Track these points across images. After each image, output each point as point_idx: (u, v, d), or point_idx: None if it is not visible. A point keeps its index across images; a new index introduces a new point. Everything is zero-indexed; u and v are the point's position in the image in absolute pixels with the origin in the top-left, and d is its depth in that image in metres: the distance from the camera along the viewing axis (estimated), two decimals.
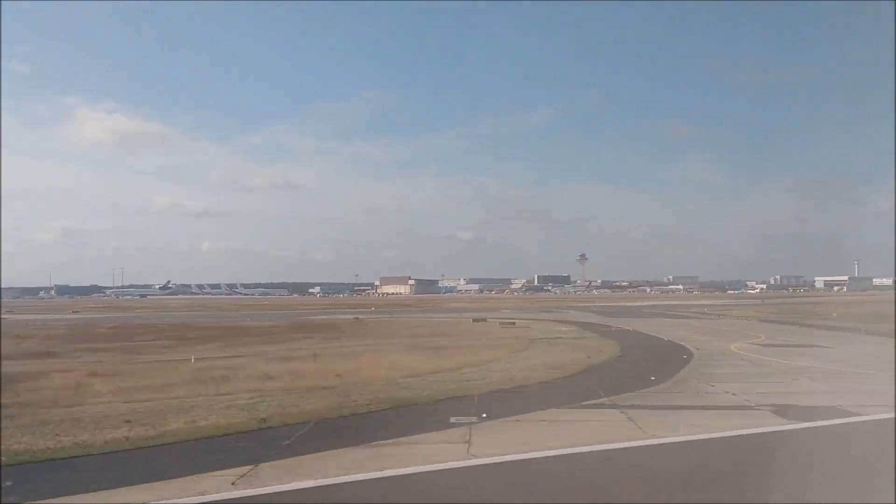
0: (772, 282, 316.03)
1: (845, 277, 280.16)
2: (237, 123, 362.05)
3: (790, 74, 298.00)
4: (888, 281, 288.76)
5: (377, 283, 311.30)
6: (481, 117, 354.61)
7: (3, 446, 10.95)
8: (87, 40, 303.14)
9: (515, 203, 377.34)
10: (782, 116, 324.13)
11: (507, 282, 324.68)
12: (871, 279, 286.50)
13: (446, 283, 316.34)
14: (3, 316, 71.87)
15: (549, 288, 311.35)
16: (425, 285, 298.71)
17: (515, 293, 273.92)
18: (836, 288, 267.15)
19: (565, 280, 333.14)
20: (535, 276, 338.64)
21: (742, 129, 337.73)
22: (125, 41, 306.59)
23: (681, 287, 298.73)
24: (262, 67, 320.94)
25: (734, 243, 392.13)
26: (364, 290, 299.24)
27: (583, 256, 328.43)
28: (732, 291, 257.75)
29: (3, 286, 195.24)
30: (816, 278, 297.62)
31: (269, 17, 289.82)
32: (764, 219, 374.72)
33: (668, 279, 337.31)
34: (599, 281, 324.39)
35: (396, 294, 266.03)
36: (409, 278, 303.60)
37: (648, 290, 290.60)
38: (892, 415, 12.72)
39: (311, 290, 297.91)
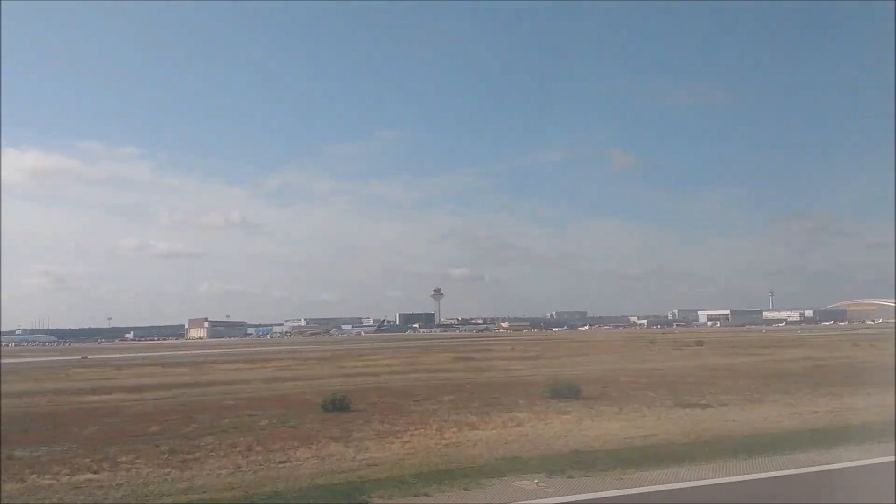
0: (670, 316, 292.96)
1: (727, 311, 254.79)
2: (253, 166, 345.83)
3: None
4: (789, 314, 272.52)
5: (186, 325, 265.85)
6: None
7: None
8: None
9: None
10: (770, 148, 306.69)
11: (357, 320, 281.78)
12: (760, 312, 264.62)
13: (288, 324, 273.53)
14: None
15: (416, 327, 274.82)
16: (232, 328, 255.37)
17: (359, 332, 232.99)
18: (709, 323, 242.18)
19: (430, 318, 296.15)
20: (397, 314, 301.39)
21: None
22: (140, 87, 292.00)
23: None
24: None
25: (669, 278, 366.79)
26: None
27: (437, 292, 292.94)
28: (584, 328, 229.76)
29: None
30: (700, 312, 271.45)
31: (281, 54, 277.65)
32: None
33: (552, 315, 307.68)
34: (458, 318, 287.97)
35: (197, 339, 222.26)
36: (206, 320, 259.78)
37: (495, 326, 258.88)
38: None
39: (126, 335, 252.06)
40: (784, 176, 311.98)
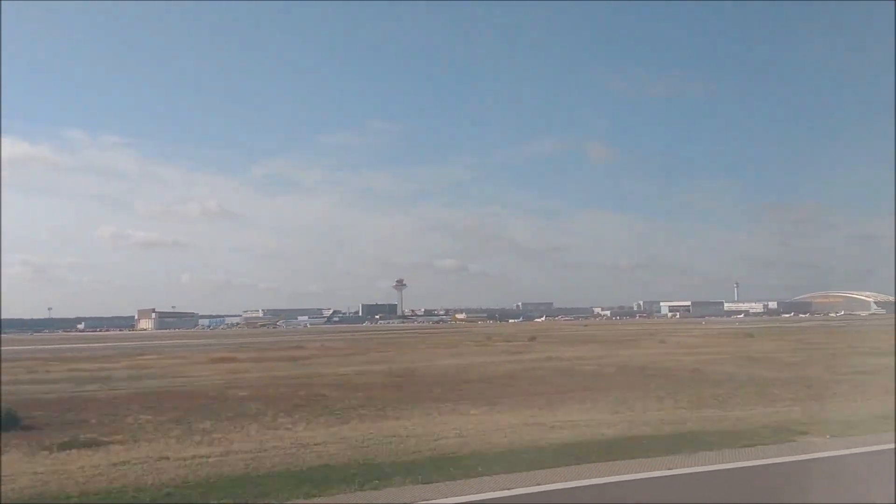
0: (636, 307, 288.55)
1: (688, 303, 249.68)
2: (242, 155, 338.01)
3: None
4: (752, 306, 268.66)
5: (136, 315, 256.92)
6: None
7: None
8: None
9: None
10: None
11: (318, 311, 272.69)
12: (721, 304, 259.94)
13: (246, 315, 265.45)
14: None
15: (378, 318, 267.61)
16: (181, 318, 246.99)
17: (305, 324, 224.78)
18: (669, 314, 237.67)
19: (389, 309, 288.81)
20: (360, 305, 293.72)
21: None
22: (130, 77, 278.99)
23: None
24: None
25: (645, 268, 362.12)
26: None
27: (399, 282, 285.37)
28: (540, 319, 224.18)
29: None
30: (662, 303, 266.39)
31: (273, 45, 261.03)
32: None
33: (518, 306, 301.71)
34: (423, 310, 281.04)
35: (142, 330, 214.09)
36: (153, 311, 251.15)
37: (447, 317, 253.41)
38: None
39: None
40: (769, 167, 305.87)
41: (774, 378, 30.94)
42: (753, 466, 10.12)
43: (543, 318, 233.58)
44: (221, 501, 10.87)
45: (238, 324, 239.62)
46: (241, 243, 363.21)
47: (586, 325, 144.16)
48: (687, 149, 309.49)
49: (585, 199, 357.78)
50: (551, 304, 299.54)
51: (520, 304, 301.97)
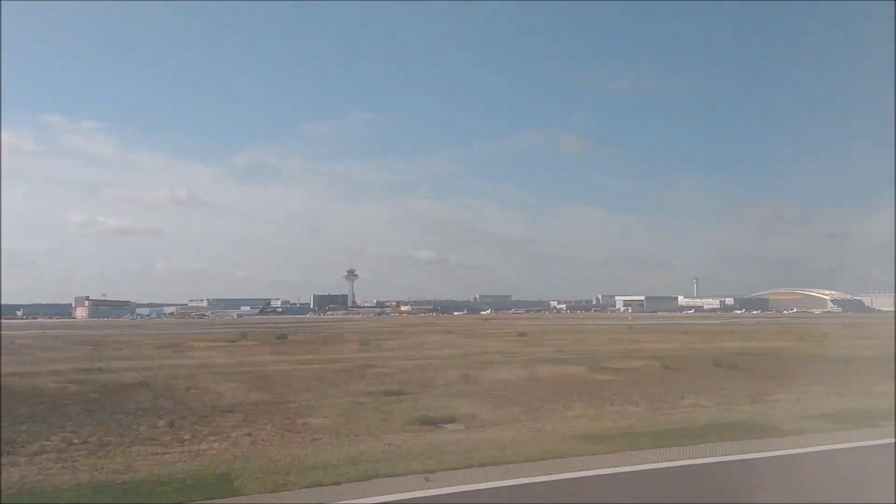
0: (594, 301, 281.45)
1: (642, 297, 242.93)
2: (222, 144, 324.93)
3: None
4: (708, 301, 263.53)
5: (73, 303, 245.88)
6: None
7: None
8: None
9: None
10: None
11: (266, 301, 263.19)
12: (675, 298, 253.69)
13: (192, 304, 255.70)
14: None
15: (332, 308, 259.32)
16: (117, 307, 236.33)
17: (233, 315, 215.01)
18: (622, 309, 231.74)
19: (342, 300, 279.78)
20: (311, 295, 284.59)
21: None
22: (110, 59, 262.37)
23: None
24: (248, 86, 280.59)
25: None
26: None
27: (350, 273, 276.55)
28: (486, 312, 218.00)
29: None
30: (617, 297, 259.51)
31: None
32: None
33: (475, 298, 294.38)
34: (375, 301, 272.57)
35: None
36: (87, 298, 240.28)
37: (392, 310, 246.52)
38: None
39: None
40: (745, 165, 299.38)
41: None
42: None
43: (489, 311, 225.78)
44: None
45: (172, 314, 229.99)
46: (218, 231, 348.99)
47: (513, 318, 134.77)
48: (667, 145, 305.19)
49: (565, 193, 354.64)
50: (510, 296, 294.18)
51: (477, 296, 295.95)
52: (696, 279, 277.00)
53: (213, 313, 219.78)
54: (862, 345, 48.69)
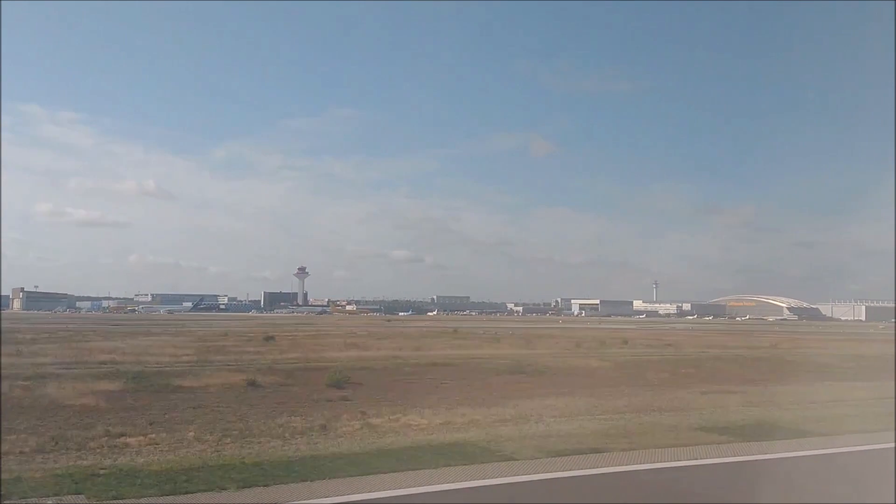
0: (553, 304, 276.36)
1: (597, 301, 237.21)
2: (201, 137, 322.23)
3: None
4: (666, 307, 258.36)
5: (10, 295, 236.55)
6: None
7: None
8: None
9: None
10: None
11: (213, 297, 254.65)
12: (630, 303, 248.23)
13: (139, 299, 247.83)
14: None
15: (283, 306, 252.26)
16: (53, 300, 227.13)
17: (161, 311, 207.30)
18: (576, 312, 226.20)
19: (293, 298, 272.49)
20: (262, 293, 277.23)
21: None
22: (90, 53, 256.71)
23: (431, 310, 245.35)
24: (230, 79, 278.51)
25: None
26: None
27: (301, 270, 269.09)
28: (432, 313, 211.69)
29: None
30: (573, 301, 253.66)
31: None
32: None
33: (433, 299, 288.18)
34: (326, 300, 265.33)
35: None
36: (21, 290, 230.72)
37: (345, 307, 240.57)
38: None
39: None
40: (716, 171, 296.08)
41: None
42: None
43: (435, 312, 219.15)
44: None
45: (107, 308, 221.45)
46: (193, 226, 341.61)
47: (432, 321, 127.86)
48: (642, 149, 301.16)
49: (542, 195, 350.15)
50: (468, 297, 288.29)
51: (434, 297, 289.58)
52: (656, 284, 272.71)
53: (141, 308, 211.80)
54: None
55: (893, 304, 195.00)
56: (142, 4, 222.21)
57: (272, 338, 59.45)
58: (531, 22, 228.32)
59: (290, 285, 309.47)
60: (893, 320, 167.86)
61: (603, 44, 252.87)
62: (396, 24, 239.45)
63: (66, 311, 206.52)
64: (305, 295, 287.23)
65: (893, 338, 62.67)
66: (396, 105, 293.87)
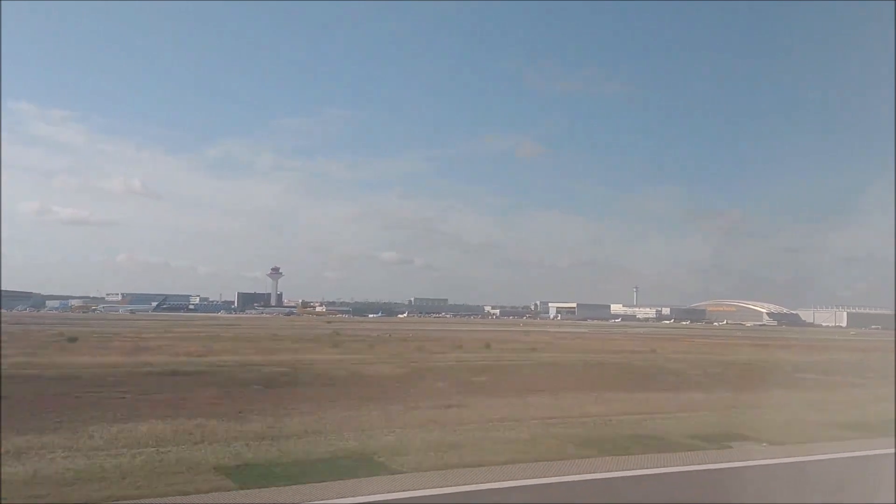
0: (532, 307, 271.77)
1: (573, 304, 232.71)
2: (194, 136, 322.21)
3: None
4: (645, 311, 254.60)
5: None
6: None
7: None
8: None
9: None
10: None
11: (186, 297, 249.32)
12: (608, 307, 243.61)
13: (109, 297, 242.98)
14: None
15: (257, 307, 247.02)
16: (15, 298, 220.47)
17: (120, 311, 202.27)
18: (552, 316, 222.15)
19: (267, 299, 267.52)
20: (236, 293, 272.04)
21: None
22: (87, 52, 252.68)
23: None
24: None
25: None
26: None
27: (275, 270, 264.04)
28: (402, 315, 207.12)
29: None
30: (550, 304, 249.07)
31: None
32: None
33: (411, 301, 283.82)
34: (300, 301, 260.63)
35: None
36: None
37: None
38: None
39: None
40: (708, 176, 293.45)
41: None
42: None
43: (405, 315, 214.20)
44: None
45: (67, 307, 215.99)
46: (182, 225, 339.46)
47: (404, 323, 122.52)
48: (633, 151, 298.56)
49: (532, 197, 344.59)
50: (446, 300, 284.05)
51: (412, 298, 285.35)
52: (637, 287, 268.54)
53: (102, 308, 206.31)
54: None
55: (877, 311, 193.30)
56: (136, 3, 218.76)
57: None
58: (522, 24, 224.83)
59: (281, 286, 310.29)
60: (874, 327, 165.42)
61: (593, 46, 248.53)
62: (389, 26, 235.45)
63: (26, 310, 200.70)
64: (280, 296, 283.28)
65: (852, 346, 59.35)
66: (389, 106, 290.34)
